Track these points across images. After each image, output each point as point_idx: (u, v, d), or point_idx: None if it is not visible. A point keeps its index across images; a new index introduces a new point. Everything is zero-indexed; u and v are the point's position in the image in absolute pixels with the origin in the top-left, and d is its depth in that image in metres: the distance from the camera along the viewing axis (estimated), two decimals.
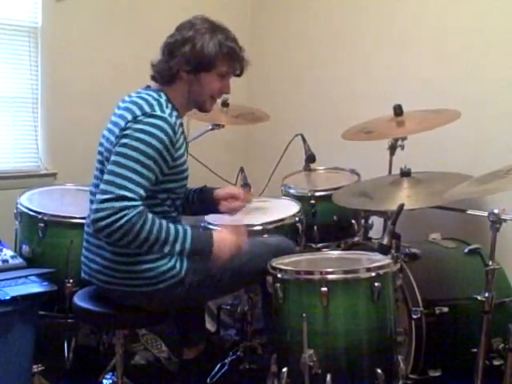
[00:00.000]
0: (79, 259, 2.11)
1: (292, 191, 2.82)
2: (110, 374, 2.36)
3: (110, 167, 1.83)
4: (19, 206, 2.54)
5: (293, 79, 3.72)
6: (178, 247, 1.85)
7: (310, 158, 2.87)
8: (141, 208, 1.79)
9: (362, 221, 2.74)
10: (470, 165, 2.51)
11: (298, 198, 2.69)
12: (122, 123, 1.88)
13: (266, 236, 2.33)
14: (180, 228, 1.88)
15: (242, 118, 2.97)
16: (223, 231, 1.99)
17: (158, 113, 1.87)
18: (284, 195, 2.84)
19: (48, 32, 3.26)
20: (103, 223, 1.76)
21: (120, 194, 1.77)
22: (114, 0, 3.49)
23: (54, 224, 2.44)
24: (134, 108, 1.89)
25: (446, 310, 2.15)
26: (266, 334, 2.42)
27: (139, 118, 1.86)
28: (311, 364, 1.75)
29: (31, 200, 2.59)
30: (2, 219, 2.73)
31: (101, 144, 2.00)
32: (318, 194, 2.72)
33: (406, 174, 2.27)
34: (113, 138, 1.90)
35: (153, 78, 2.04)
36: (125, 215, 1.75)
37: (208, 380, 2.49)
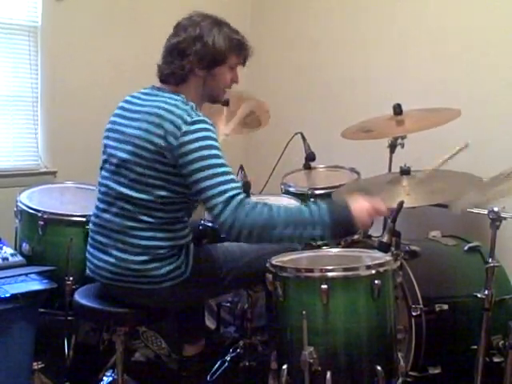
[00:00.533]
0: (79, 257, 2.12)
1: (292, 189, 2.82)
2: (111, 371, 2.36)
3: (198, 186, 1.83)
4: (19, 204, 2.54)
5: (292, 78, 3.72)
6: (318, 229, 1.82)
7: (310, 157, 2.87)
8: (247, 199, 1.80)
9: None
10: (470, 163, 2.51)
11: (298, 196, 2.70)
12: (169, 136, 1.85)
13: None
14: (313, 206, 1.85)
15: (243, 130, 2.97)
16: (357, 199, 1.92)
17: (196, 117, 1.88)
18: (284, 193, 2.84)
19: (48, 32, 3.26)
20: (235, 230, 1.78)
21: (229, 196, 1.79)
22: (114, 0, 3.49)
23: (53, 222, 2.45)
24: (174, 118, 1.87)
25: (445, 307, 2.15)
26: (265, 331, 2.42)
27: (184, 130, 1.85)
28: (311, 361, 1.75)
29: (31, 198, 2.59)
30: (1, 217, 2.73)
31: (119, 149, 1.97)
32: (317, 192, 2.72)
33: (405, 172, 2.28)
34: (151, 147, 1.88)
35: (163, 80, 2.04)
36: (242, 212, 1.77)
37: (208, 377, 2.50)
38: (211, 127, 1.90)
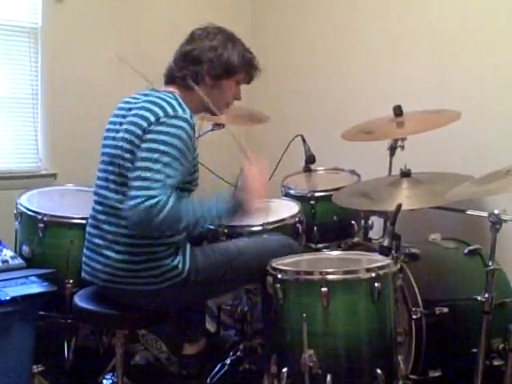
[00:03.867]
0: (79, 259, 2.11)
1: (292, 191, 2.82)
2: (110, 374, 2.36)
3: (135, 173, 1.85)
4: (19, 206, 2.54)
5: (293, 80, 3.72)
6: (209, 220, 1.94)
7: (310, 159, 2.88)
8: (168, 204, 1.80)
9: (362, 221, 2.74)
10: (470, 165, 2.51)
11: (298, 199, 2.69)
12: (144, 124, 1.90)
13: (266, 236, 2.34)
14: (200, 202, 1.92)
15: (242, 118, 2.97)
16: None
17: (181, 113, 1.91)
18: (284, 195, 2.84)
19: (48, 32, 3.26)
20: (142, 226, 1.82)
21: (150, 195, 1.79)
22: (114, 1, 3.49)
23: (53, 224, 2.44)
24: (156, 108, 1.92)
25: (446, 310, 2.15)
26: (265, 334, 2.42)
27: (162, 120, 1.88)
28: (311, 364, 1.75)
29: (31, 200, 2.59)
30: (1, 219, 2.73)
31: (113, 146, 2.00)
32: (317, 194, 2.72)
33: (406, 174, 2.27)
34: (133, 138, 1.91)
35: (171, 80, 2.08)
36: (157, 215, 1.78)
37: (208, 380, 2.49)
38: (188, 128, 1.90)
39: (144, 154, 1.86)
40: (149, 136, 1.88)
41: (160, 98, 1.97)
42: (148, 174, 1.82)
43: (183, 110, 1.93)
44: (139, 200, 1.79)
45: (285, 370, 1.85)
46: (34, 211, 2.48)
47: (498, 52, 2.67)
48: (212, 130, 2.89)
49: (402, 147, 2.58)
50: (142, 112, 1.94)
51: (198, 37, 2.07)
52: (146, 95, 2.03)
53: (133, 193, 1.82)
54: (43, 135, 3.34)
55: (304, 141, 2.89)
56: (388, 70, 3.16)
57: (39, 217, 2.44)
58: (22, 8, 3.19)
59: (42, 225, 2.43)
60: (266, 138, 3.69)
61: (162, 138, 1.86)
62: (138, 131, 1.91)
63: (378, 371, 1.79)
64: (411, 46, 3.04)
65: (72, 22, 3.32)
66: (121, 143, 1.96)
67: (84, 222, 2.40)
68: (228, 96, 2.12)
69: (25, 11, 3.21)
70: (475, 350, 1.96)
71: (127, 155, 1.93)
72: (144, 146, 1.88)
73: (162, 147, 1.85)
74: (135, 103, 2.02)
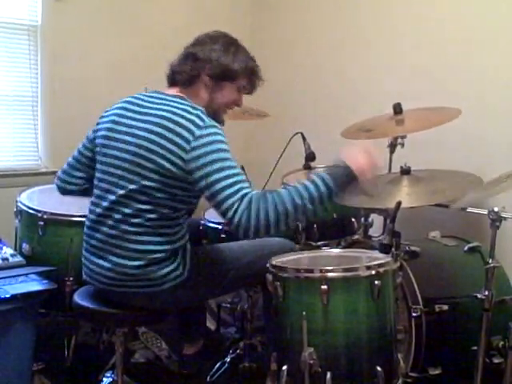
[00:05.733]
0: (79, 257, 2.11)
1: None
2: (110, 372, 2.36)
3: (211, 191, 1.84)
4: (19, 204, 2.54)
5: (292, 78, 3.71)
6: (325, 198, 1.85)
7: (310, 156, 2.86)
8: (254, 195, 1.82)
9: (362, 219, 2.73)
10: (470, 163, 2.51)
11: None
12: (180, 140, 1.86)
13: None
14: (307, 183, 1.87)
15: (242, 115, 2.97)
16: (349, 152, 1.96)
17: (208, 122, 1.90)
18: None
19: (48, 31, 3.25)
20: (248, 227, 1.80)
21: (242, 195, 1.81)
22: (114, 0, 3.49)
23: (53, 222, 2.45)
24: (186, 123, 1.88)
25: (445, 308, 2.15)
26: (266, 332, 2.42)
27: (198, 134, 1.86)
28: (311, 362, 1.74)
29: (31, 198, 2.59)
30: (2, 217, 2.73)
31: (124, 151, 1.93)
32: None
33: (405, 172, 2.27)
34: (165, 152, 1.87)
35: (171, 79, 2.06)
36: (258, 208, 1.79)
37: (208, 378, 2.50)
38: (221, 131, 1.92)
39: (202, 173, 1.84)
40: (195, 153, 1.85)
41: (182, 109, 1.92)
42: (223, 184, 1.82)
43: (207, 116, 1.93)
44: (236, 206, 1.79)
45: (285, 367, 1.84)
46: (34, 209, 2.48)
47: (498, 50, 2.67)
48: None
49: (402, 145, 2.59)
50: (172, 126, 1.88)
51: (201, 40, 2.05)
52: (158, 99, 1.99)
53: (225, 206, 1.81)
54: (43, 133, 3.34)
55: (304, 138, 2.88)
56: (388, 68, 3.15)
57: (39, 215, 2.44)
58: (21, 6, 3.19)
59: (42, 223, 2.43)
60: (266, 135, 3.69)
61: (207, 148, 1.85)
62: (172, 147, 1.86)
63: (378, 369, 1.79)
64: (411, 43, 3.03)
65: (72, 21, 3.31)
66: (137, 150, 1.91)
67: (84, 220, 2.40)
68: (227, 99, 2.07)
69: (25, 9, 3.20)
70: (475, 348, 1.97)
71: (150, 165, 1.89)
72: (193, 165, 1.85)
73: (214, 156, 1.84)
74: (150, 108, 1.96)
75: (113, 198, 1.94)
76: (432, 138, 2.63)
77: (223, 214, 1.84)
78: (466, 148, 2.77)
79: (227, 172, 1.83)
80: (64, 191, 2.22)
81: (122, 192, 1.92)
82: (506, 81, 2.64)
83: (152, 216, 1.91)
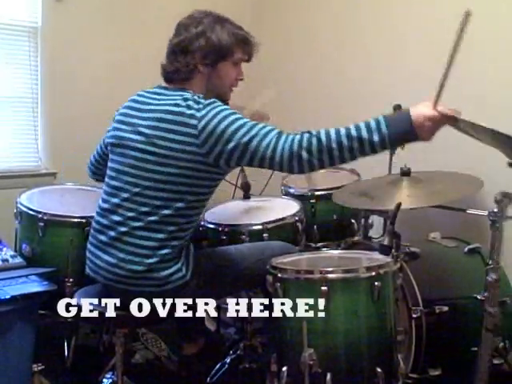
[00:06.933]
0: (79, 258, 2.11)
1: (292, 190, 2.82)
2: (110, 373, 2.36)
3: (241, 146, 1.84)
4: (19, 205, 2.54)
5: (293, 79, 3.71)
6: (376, 137, 1.82)
7: None
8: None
9: (362, 220, 2.73)
10: (470, 164, 2.50)
11: (298, 198, 2.69)
12: (187, 130, 1.87)
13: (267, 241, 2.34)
14: (370, 120, 1.84)
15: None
16: (418, 107, 1.92)
17: (206, 101, 1.91)
18: (284, 195, 2.84)
19: (48, 32, 3.26)
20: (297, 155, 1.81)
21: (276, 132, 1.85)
22: (114, 0, 3.49)
23: (53, 223, 2.44)
24: (189, 111, 1.89)
25: (445, 309, 2.15)
26: (266, 333, 2.42)
27: (199, 116, 1.87)
28: (311, 363, 1.74)
29: (31, 199, 2.59)
30: (1, 218, 2.72)
31: (134, 149, 1.95)
32: (317, 193, 2.72)
33: (405, 173, 2.27)
34: (175, 145, 1.87)
35: (168, 79, 2.04)
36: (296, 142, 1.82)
37: (208, 379, 2.49)
38: (222, 104, 1.92)
39: (222, 143, 1.84)
40: (204, 134, 1.85)
41: (179, 99, 1.92)
42: (253, 133, 1.83)
43: (203, 99, 1.93)
44: (276, 130, 1.84)
45: (285, 368, 1.85)
46: (34, 210, 2.47)
47: (498, 50, 2.67)
48: None
49: (402, 146, 2.58)
50: (175, 118, 1.89)
51: (184, 26, 2.01)
52: (161, 95, 2.00)
53: (265, 142, 1.82)
54: (43, 134, 3.34)
55: None
56: (388, 68, 3.15)
57: (39, 216, 2.43)
58: (21, 7, 3.19)
59: (42, 224, 2.43)
60: None
61: (216, 120, 1.86)
62: (186, 139, 1.87)
63: (378, 370, 1.79)
64: (411, 44, 3.03)
65: (72, 22, 3.32)
66: (146, 147, 1.92)
67: (84, 221, 2.41)
68: (228, 80, 2.06)
69: (25, 10, 3.20)
70: (475, 349, 1.96)
71: (164, 151, 1.89)
72: (209, 143, 1.86)
73: (225, 122, 1.85)
74: (156, 104, 1.97)
75: (126, 195, 1.94)
76: (432, 140, 2.63)
77: (262, 158, 1.84)
78: (465, 149, 2.76)
79: (248, 126, 1.85)
80: (93, 176, 2.42)
81: (136, 190, 1.92)
82: (507, 82, 2.63)
83: (167, 212, 1.91)
